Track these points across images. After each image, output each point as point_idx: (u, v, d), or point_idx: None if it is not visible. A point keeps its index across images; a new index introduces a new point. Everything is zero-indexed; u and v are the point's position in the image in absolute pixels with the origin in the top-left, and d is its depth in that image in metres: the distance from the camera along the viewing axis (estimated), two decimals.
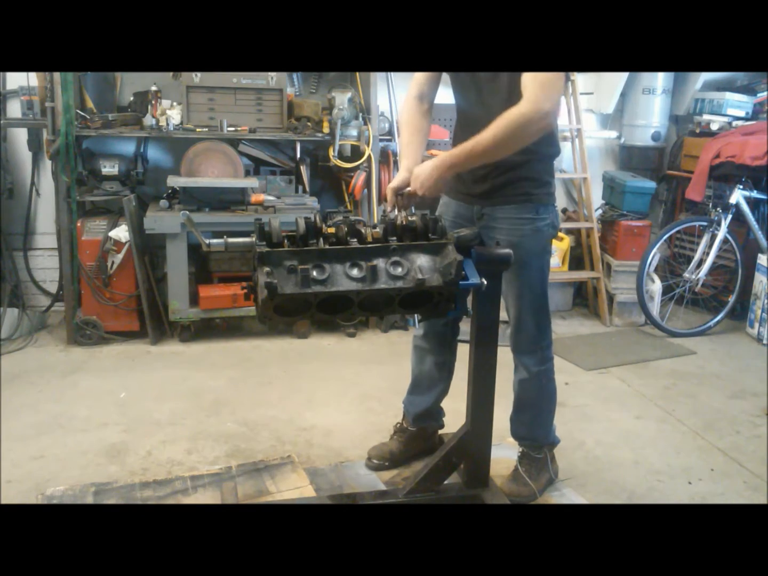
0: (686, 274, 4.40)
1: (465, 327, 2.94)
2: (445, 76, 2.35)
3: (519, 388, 2.46)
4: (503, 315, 2.21)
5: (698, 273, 4.35)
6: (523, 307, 2.32)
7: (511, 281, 2.24)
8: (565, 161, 4.99)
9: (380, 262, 1.87)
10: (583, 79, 4.83)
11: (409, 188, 2.17)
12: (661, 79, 4.90)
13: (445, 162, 2.07)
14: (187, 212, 1.97)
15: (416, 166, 2.15)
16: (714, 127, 4.73)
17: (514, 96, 1.99)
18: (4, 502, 2.34)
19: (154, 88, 3.88)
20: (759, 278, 4.28)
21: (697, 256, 4.37)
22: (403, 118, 2.32)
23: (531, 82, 1.93)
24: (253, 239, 1.89)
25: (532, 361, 2.38)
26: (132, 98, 4.07)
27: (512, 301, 2.32)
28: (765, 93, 4.81)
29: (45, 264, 4.32)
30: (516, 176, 2.21)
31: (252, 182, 3.89)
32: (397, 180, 2.20)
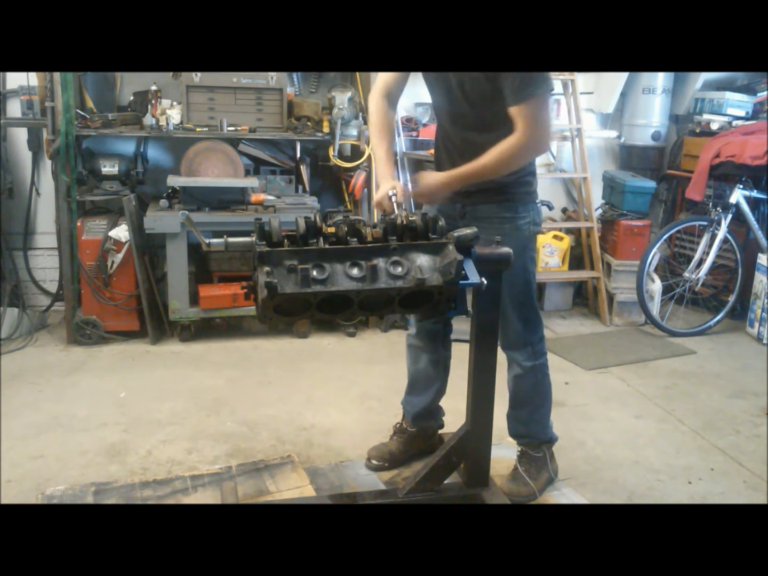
0: (686, 274, 4.40)
1: (460, 326, 2.95)
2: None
3: (513, 384, 2.47)
4: None
5: (698, 273, 4.35)
6: (506, 304, 2.34)
7: None
8: (565, 161, 5.00)
9: (380, 262, 1.87)
10: (583, 79, 4.82)
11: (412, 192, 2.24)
12: (661, 79, 4.90)
13: (454, 180, 2.18)
14: (187, 212, 1.97)
15: (422, 176, 2.23)
16: (714, 126, 4.73)
17: (491, 96, 2.11)
18: (4, 501, 2.34)
19: (154, 87, 3.88)
20: (759, 278, 4.28)
21: (697, 256, 4.37)
22: (375, 120, 2.35)
23: (521, 116, 2.06)
24: (253, 239, 1.89)
25: (523, 356, 2.40)
26: (132, 98, 4.07)
27: None
28: (765, 92, 4.81)
29: (45, 263, 4.32)
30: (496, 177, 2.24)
31: (252, 182, 3.89)
32: (382, 191, 2.23)
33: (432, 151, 4.18)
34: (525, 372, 2.41)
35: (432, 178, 2.22)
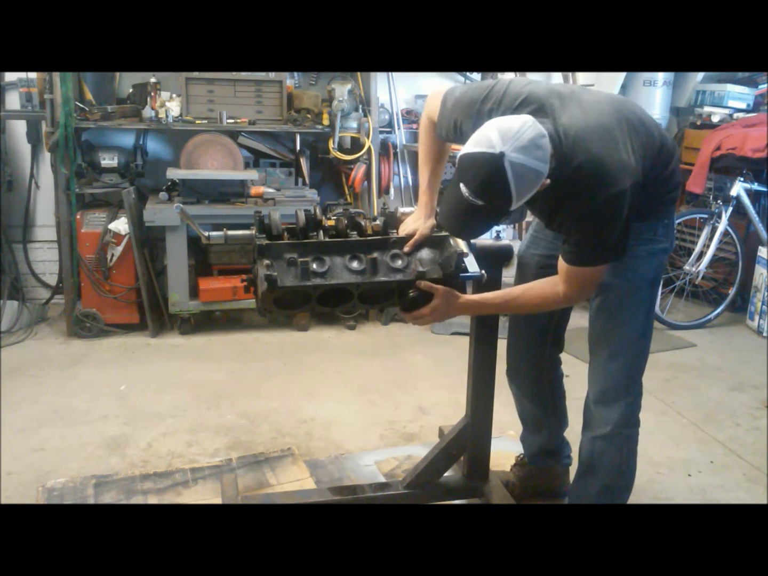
0: (687, 267, 4.39)
1: (466, 320, 2.94)
2: None
3: (591, 448, 2.04)
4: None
5: (699, 265, 4.35)
6: (617, 344, 2.00)
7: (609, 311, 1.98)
8: None
9: (380, 255, 1.87)
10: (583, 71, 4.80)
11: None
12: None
13: (474, 308, 1.93)
14: (181, 205, 1.96)
15: (441, 295, 1.85)
16: (715, 119, 4.71)
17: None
18: (4, 493, 2.35)
19: (153, 80, 3.87)
20: (759, 271, 4.28)
21: (697, 249, 4.36)
22: (421, 143, 2.04)
23: (570, 277, 1.78)
24: (253, 232, 1.89)
25: (615, 416, 1.97)
26: (131, 90, 4.05)
27: (602, 336, 2.04)
28: (766, 85, 4.79)
29: (44, 256, 4.31)
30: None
31: (251, 174, 3.88)
32: (409, 226, 1.97)
33: None
34: (611, 436, 1.99)
35: (451, 302, 1.86)
